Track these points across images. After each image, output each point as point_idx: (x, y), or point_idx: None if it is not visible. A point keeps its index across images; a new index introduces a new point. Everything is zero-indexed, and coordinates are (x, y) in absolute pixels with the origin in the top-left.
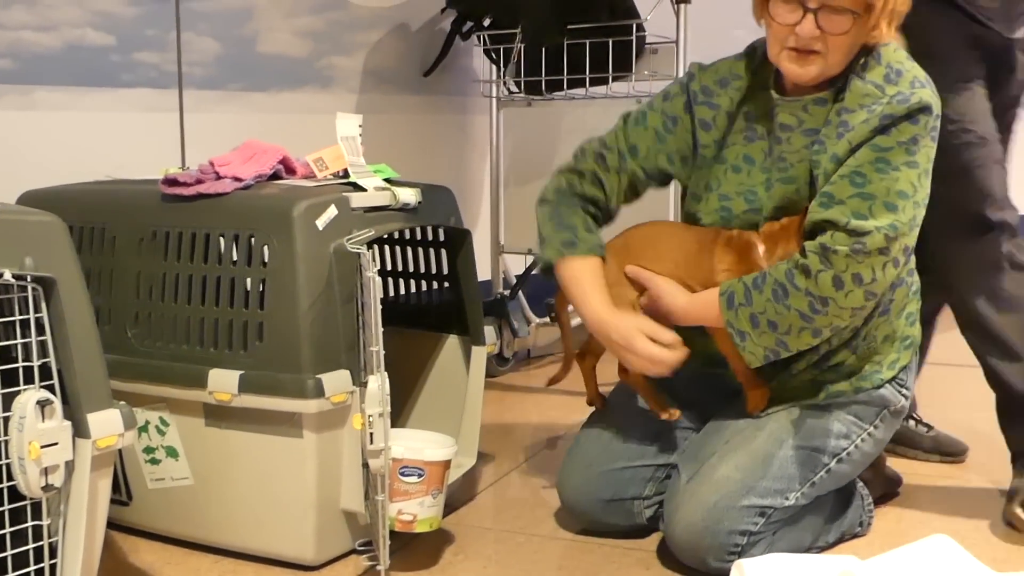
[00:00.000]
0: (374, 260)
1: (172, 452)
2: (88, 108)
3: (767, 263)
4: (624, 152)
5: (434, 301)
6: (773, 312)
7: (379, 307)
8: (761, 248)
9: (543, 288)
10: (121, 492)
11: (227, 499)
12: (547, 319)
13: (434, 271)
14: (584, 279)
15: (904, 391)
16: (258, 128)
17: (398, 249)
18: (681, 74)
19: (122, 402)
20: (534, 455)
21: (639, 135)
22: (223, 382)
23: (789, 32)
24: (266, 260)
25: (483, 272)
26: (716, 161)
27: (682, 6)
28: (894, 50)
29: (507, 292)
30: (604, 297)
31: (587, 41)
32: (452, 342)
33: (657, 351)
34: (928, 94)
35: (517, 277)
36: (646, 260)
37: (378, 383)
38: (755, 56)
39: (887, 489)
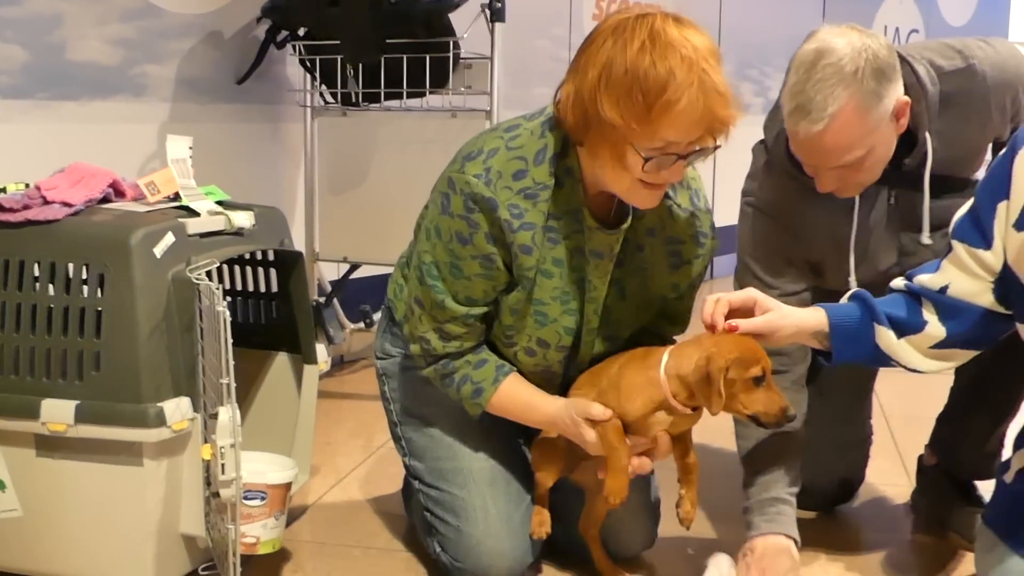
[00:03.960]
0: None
1: None
2: None
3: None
4: (465, 313)
5: (263, 320)
6: None
7: (229, 340)
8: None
9: (357, 294)
10: None
11: (60, 529)
12: (361, 325)
13: (263, 290)
14: (514, 403)
15: None
16: (69, 138)
17: (225, 268)
18: (494, 93)
19: None
20: (357, 466)
21: (467, 287)
22: (57, 412)
23: (655, 176)
24: (102, 288)
25: None
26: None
27: (496, 24)
28: None
29: (322, 299)
30: (546, 404)
31: (404, 56)
32: (282, 360)
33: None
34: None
35: (332, 284)
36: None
37: (229, 414)
38: (546, 155)
39: None
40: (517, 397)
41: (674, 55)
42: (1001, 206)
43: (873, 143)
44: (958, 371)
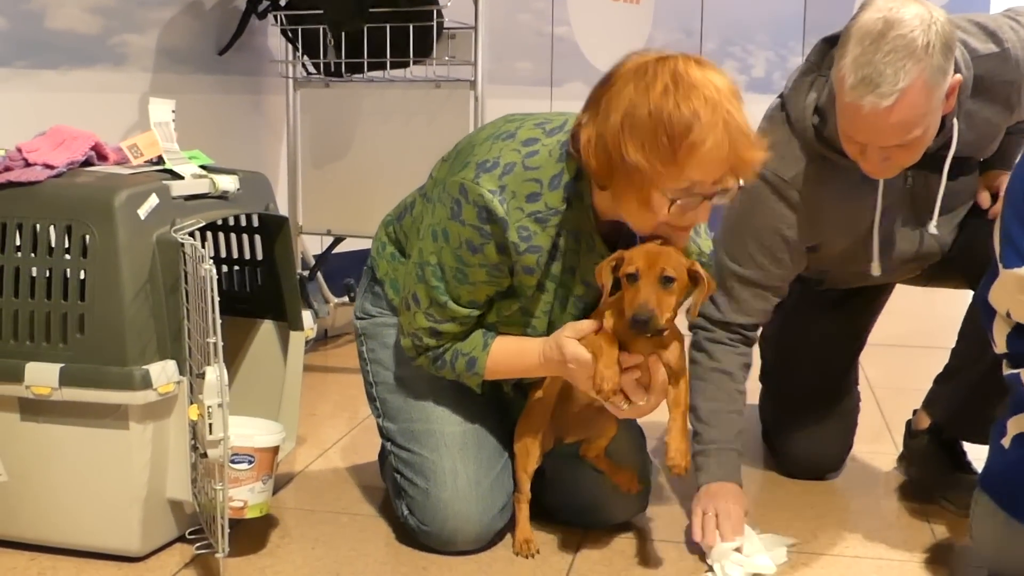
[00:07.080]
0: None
1: None
2: None
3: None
4: (466, 315)
5: (248, 287)
6: None
7: (216, 298)
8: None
9: (341, 268)
10: None
11: (45, 494)
12: (345, 299)
13: (247, 257)
14: (507, 358)
15: None
16: (48, 107)
17: (209, 234)
18: (479, 63)
19: None
20: (342, 437)
21: (471, 291)
22: (42, 376)
23: (680, 219)
24: (86, 250)
25: None
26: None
27: None
28: None
29: (306, 273)
30: (534, 347)
31: (388, 25)
32: (267, 327)
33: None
34: None
35: (316, 258)
36: None
37: (216, 374)
38: (562, 180)
39: None
40: (508, 352)
41: (698, 97)
42: None
43: (931, 122)
44: (963, 332)
